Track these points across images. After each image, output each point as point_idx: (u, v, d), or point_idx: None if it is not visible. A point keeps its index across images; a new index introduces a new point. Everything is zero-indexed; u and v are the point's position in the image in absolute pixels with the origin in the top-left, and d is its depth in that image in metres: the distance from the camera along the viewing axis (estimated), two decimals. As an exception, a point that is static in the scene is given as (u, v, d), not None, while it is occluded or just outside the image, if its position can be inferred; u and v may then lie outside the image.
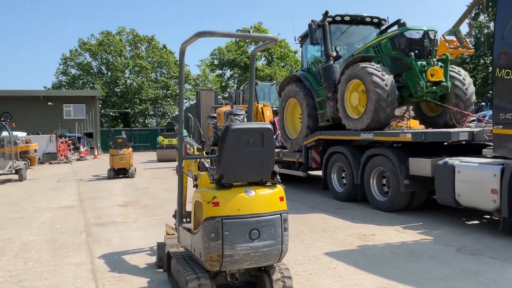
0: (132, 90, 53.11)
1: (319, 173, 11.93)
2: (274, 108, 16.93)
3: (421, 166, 7.89)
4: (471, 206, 7.15)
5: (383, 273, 5.02)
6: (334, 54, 10.62)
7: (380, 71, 9.00)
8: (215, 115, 19.07)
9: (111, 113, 55.23)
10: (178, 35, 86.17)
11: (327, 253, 5.88)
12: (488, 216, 8.07)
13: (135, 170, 17.03)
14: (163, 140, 25.10)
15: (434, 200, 9.43)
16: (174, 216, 6.24)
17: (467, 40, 20.38)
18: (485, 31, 38.91)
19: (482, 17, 40.15)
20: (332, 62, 10.62)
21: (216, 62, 53.33)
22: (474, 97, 9.79)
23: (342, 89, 9.84)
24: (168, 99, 54.63)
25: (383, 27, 11.49)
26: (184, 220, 6.17)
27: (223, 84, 53.16)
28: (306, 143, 11.20)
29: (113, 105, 52.18)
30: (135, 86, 53.57)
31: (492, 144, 8.20)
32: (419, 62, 9.20)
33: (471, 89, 9.69)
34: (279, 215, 4.01)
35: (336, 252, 5.94)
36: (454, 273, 5.01)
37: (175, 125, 26.61)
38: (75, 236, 7.23)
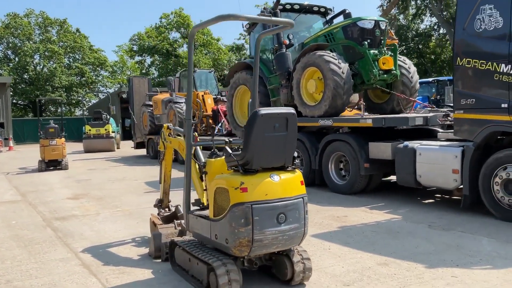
0: (44, 76, 49.79)
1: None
2: (214, 96, 16.86)
3: (381, 150, 8.34)
4: (432, 185, 7.73)
5: (377, 251, 5.30)
6: (287, 42, 10.81)
7: (336, 59, 9.32)
8: (151, 103, 18.57)
9: (19, 102, 51.49)
10: (91, 19, 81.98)
11: (313, 235, 6.06)
12: (440, 195, 8.76)
13: (67, 161, 16.14)
14: (90, 130, 23.93)
15: (387, 182, 10.04)
16: (157, 205, 6.11)
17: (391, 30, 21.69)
18: (396, 23, 41.34)
19: (394, 11, 42.52)
20: (284, 50, 10.80)
21: (135, 48, 51.56)
22: (418, 85, 10.48)
23: (297, 76, 10.05)
24: (84, 87, 51.97)
25: (329, 16, 11.87)
26: (165, 209, 6.12)
27: (143, 71, 51.58)
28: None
29: (22, 93, 48.67)
30: (46, 72, 50.28)
31: (441, 128, 8.92)
32: (371, 51, 9.64)
33: (416, 77, 10.36)
34: (301, 199, 4.11)
35: (321, 234, 6.15)
36: (439, 247, 5.42)
37: (103, 114, 25.43)
38: (40, 232, 6.78)
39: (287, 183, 4.05)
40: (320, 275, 4.57)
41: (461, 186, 7.06)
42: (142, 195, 9.79)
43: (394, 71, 9.80)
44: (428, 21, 44.70)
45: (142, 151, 20.97)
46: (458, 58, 7.03)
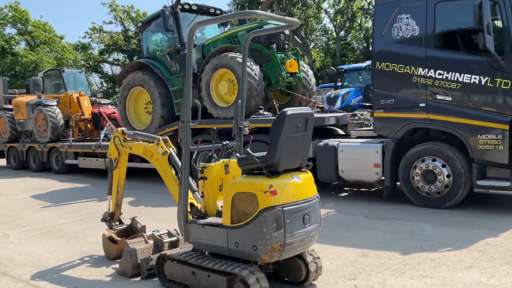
0: None
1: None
2: (91, 99, 15.67)
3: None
4: (354, 179, 8.33)
5: (346, 244, 5.57)
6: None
7: (248, 61, 9.43)
8: (10, 106, 16.43)
9: None
10: None
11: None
12: (348, 188, 9.48)
13: None
14: None
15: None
16: (106, 219, 5.57)
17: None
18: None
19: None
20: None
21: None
22: (315, 87, 11.18)
23: (207, 78, 9.91)
24: None
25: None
26: (116, 222, 5.58)
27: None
28: (162, 133, 10.86)
29: None
30: None
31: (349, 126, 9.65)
32: (278, 55, 9.98)
33: (313, 80, 11.02)
34: (318, 198, 4.15)
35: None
36: (394, 236, 5.90)
37: None
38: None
39: (307, 184, 4.06)
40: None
41: (383, 178, 7.76)
42: (42, 211, 8.67)
43: (299, 74, 10.28)
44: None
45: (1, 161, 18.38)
46: (377, 62, 7.72)
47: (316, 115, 9.96)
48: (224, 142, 4.59)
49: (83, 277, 4.86)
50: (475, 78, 6.76)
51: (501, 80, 6.57)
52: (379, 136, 8.10)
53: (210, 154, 4.46)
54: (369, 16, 44.91)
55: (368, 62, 19.48)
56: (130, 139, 5.46)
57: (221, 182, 4.40)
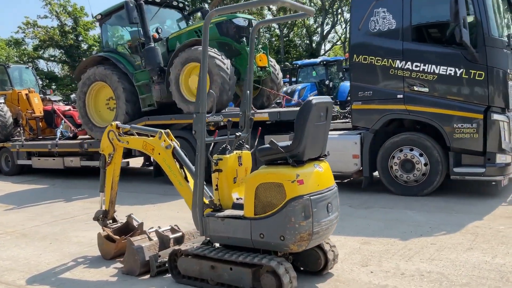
0: None
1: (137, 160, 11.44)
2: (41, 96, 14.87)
3: (279, 141, 8.70)
4: (333, 171, 8.32)
5: (344, 233, 5.62)
6: (157, 36, 10.33)
7: (219, 55, 9.33)
8: None
9: None
10: None
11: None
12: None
13: None
14: None
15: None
16: (100, 218, 5.33)
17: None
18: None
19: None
20: (153, 44, 10.28)
21: None
22: (282, 81, 11.25)
23: (176, 72, 9.68)
24: None
25: (186, 12, 11.74)
26: (109, 221, 5.36)
27: None
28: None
29: None
30: None
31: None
32: (248, 48, 9.93)
33: (280, 74, 11.09)
34: (336, 187, 4.17)
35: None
36: (387, 223, 6.05)
37: None
38: None
39: (327, 173, 4.09)
40: (331, 261, 4.68)
41: (361, 169, 7.94)
42: (7, 214, 8.16)
43: (268, 68, 10.31)
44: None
45: None
46: (355, 55, 7.88)
47: (293, 109, 10.05)
48: (237, 133, 4.51)
49: (86, 278, 4.61)
50: (451, 70, 7.07)
51: (475, 71, 6.90)
52: (354, 128, 8.28)
53: (224, 145, 4.36)
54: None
55: (322, 58, 19.97)
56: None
57: (236, 174, 4.33)
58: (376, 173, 8.01)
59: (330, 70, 18.18)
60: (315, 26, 46.57)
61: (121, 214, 5.75)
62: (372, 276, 4.23)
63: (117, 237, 5.08)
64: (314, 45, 43.79)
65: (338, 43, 47.24)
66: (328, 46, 48.15)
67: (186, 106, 9.71)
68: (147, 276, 4.52)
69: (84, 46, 43.77)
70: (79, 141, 11.52)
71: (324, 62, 18.13)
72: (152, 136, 4.95)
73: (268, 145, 3.98)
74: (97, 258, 5.21)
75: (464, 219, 5.96)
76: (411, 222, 5.99)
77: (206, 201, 4.27)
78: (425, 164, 7.36)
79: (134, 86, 10.59)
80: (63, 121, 12.80)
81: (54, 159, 12.07)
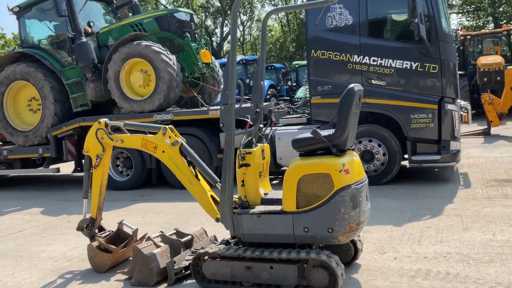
0: None
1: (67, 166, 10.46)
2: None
3: (235, 139, 8.50)
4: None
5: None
6: (89, 30, 9.54)
7: (164, 51, 8.89)
8: None
9: None
10: None
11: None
12: (274, 176, 9.59)
13: None
14: None
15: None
16: (87, 227, 4.81)
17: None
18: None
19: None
20: (84, 39, 9.49)
21: None
22: (222, 79, 11.02)
23: (116, 68, 9.02)
24: None
25: (115, 5, 11.04)
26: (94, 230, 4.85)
27: None
28: (58, 133, 9.56)
29: None
30: None
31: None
32: (192, 44, 9.58)
33: (221, 71, 10.85)
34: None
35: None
36: (371, 210, 6.17)
37: None
38: None
39: (360, 162, 4.05)
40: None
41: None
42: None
43: (212, 64, 10.04)
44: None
45: None
46: (312, 50, 7.97)
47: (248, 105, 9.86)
48: (260, 125, 4.29)
49: (94, 294, 4.07)
50: (407, 64, 7.45)
51: (429, 65, 7.35)
52: (309, 123, 8.39)
53: (249, 138, 4.13)
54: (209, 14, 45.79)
55: (241, 57, 20.05)
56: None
57: (262, 168, 4.12)
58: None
59: (248, 69, 18.32)
60: (213, 27, 46.68)
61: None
62: (399, 262, 4.28)
63: (113, 247, 4.56)
64: (214, 46, 43.80)
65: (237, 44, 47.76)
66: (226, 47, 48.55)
67: (128, 105, 9.09)
68: (164, 286, 4.12)
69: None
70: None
71: (243, 61, 18.21)
72: (151, 133, 4.52)
73: (305, 136, 3.84)
74: (87, 272, 4.64)
75: (437, 203, 6.29)
76: (391, 209, 6.18)
77: (235, 198, 4.00)
78: (384, 154, 7.67)
79: (62, 85, 9.68)
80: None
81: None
